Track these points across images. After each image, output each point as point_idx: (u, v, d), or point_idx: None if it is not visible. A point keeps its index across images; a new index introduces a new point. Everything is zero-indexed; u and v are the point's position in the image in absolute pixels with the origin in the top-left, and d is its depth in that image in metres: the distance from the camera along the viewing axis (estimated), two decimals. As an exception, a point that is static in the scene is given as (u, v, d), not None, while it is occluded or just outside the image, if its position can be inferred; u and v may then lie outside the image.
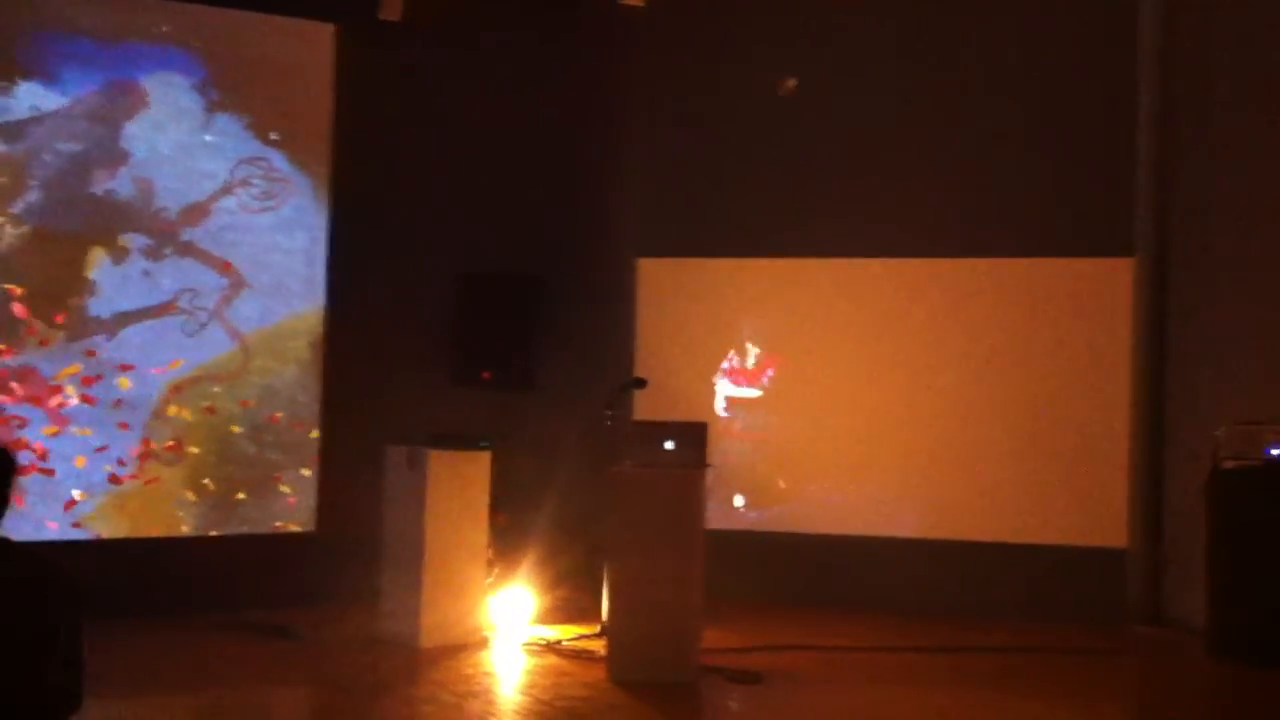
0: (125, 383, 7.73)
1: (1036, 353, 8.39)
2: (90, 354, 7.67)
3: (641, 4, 8.84)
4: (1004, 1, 8.62)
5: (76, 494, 7.55)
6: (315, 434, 8.28)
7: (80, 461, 7.58)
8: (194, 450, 7.95)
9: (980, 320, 8.49)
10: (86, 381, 7.65)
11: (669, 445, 6.79)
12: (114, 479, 7.68)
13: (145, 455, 7.80)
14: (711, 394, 8.77)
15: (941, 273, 8.56)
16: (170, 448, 7.84)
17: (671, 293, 8.87)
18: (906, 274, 8.61)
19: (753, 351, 8.77)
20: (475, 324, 8.47)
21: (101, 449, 7.64)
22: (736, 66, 8.88)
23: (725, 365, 8.76)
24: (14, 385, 7.45)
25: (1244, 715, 6.40)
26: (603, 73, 9.14)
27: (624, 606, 6.55)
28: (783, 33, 8.87)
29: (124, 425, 7.73)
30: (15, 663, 3.06)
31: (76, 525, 7.55)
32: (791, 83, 7.88)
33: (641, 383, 7.82)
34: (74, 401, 7.60)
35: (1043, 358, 8.37)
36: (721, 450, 8.36)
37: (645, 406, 8.06)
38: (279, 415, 8.18)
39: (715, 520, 7.72)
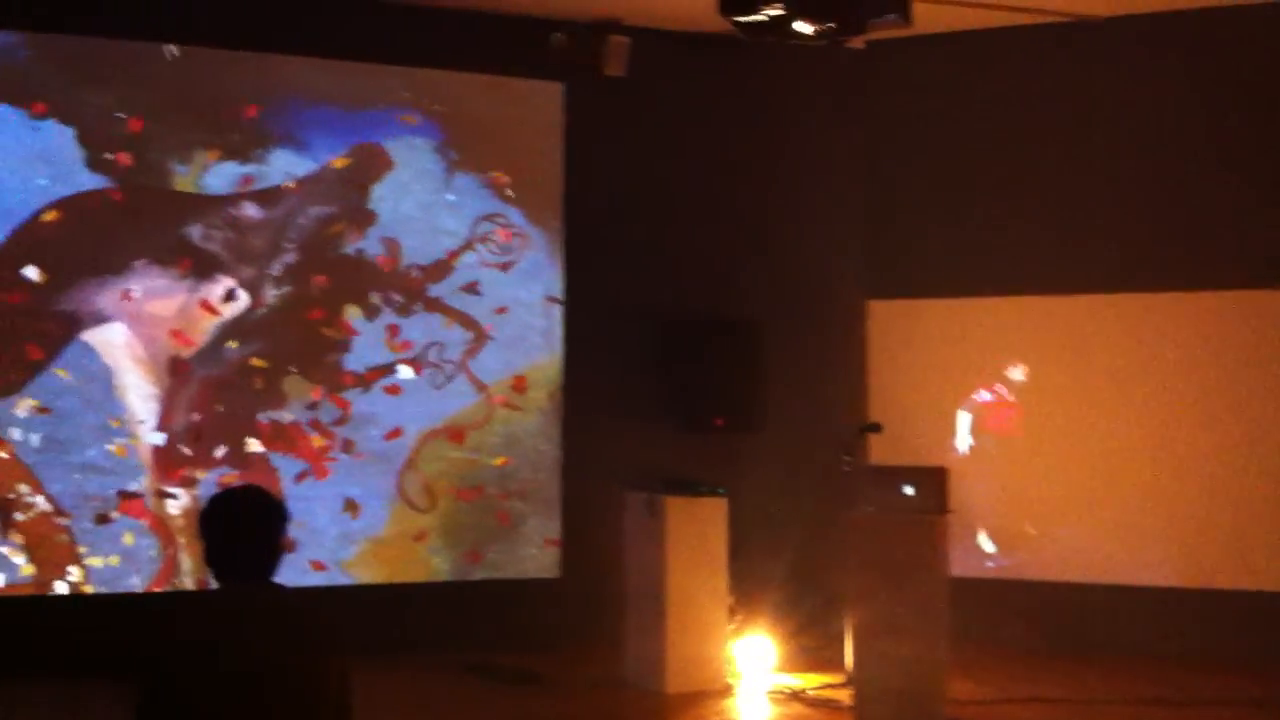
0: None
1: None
2: (344, 406, 8.05)
3: (861, 45, 8.83)
4: (1215, 32, 8.31)
5: (335, 542, 7.93)
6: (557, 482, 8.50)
7: (337, 510, 7.96)
8: (444, 498, 8.25)
9: (1233, 355, 8.14)
10: (347, 444, 8.04)
11: (908, 490, 6.72)
12: (368, 527, 8.04)
13: (398, 504, 8.12)
14: (950, 437, 8.60)
15: (1189, 308, 8.26)
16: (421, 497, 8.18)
17: (903, 335, 8.79)
18: (1150, 310, 8.33)
19: (993, 392, 8.60)
20: (704, 370, 8.52)
21: (355, 498, 8.01)
22: (961, 102, 8.79)
23: (975, 398, 8.60)
24: (276, 437, 7.88)
25: None
26: (824, 114, 9.14)
27: (868, 656, 6.50)
28: (1004, 67, 8.74)
29: (377, 475, 8.08)
30: (290, 707, 3.16)
31: (326, 571, 7.90)
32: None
33: (877, 427, 7.75)
34: (332, 453, 7.99)
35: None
36: (963, 495, 8.18)
37: (880, 451, 7.97)
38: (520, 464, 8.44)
39: (959, 567, 7.57)
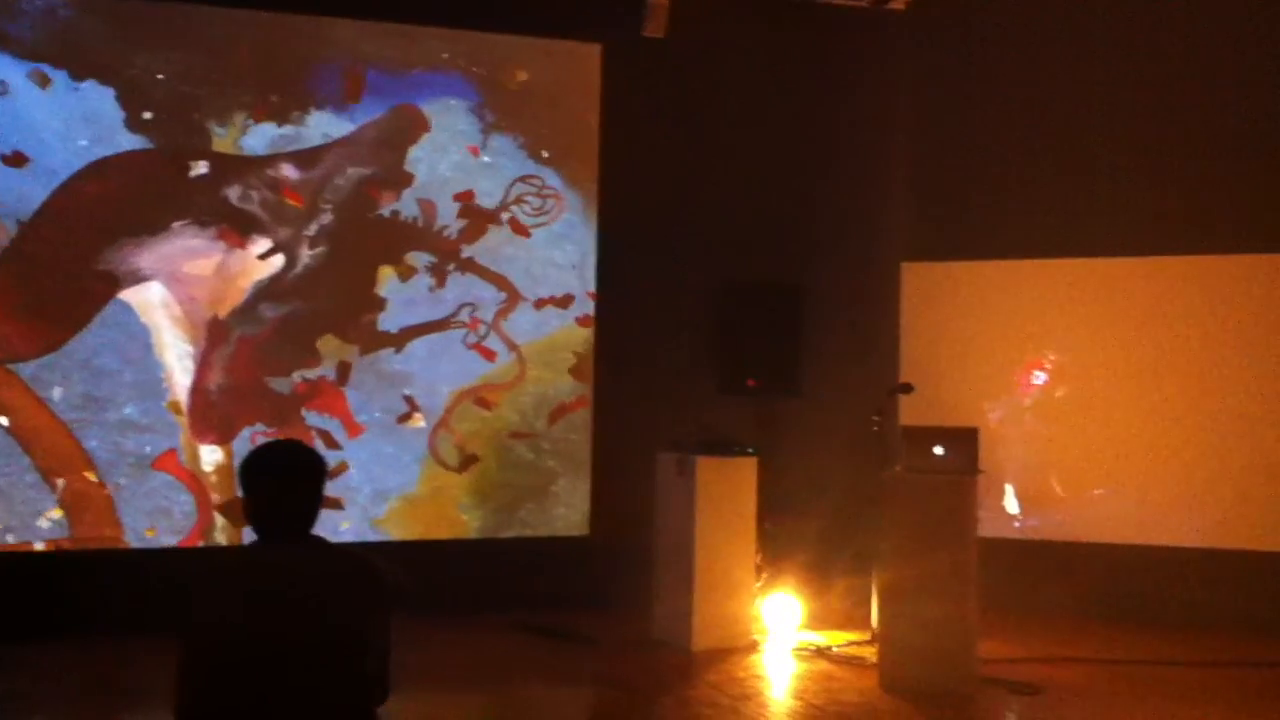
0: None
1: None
2: (380, 366, 8.13)
3: (902, 7, 8.80)
4: None
5: (368, 499, 8.04)
6: (588, 441, 8.57)
7: (370, 468, 8.07)
8: (477, 457, 8.34)
9: (1258, 317, 8.11)
10: (380, 402, 8.12)
11: (939, 450, 6.74)
12: (401, 485, 8.14)
13: (430, 462, 8.22)
14: (980, 399, 8.60)
15: (1227, 270, 8.21)
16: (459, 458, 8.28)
17: (937, 296, 8.78)
18: (1182, 272, 8.29)
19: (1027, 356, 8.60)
20: (739, 332, 8.53)
21: (389, 457, 8.11)
22: (1000, 65, 8.76)
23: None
24: (311, 396, 7.98)
25: None
26: (863, 76, 9.09)
27: (895, 613, 6.54)
28: (1045, 29, 8.70)
29: (410, 433, 8.17)
30: (340, 658, 3.13)
31: (355, 526, 8.02)
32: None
33: (908, 388, 7.78)
34: (365, 412, 8.09)
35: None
36: (994, 456, 8.19)
37: (911, 412, 7.99)
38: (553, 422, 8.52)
39: (988, 528, 7.60)
